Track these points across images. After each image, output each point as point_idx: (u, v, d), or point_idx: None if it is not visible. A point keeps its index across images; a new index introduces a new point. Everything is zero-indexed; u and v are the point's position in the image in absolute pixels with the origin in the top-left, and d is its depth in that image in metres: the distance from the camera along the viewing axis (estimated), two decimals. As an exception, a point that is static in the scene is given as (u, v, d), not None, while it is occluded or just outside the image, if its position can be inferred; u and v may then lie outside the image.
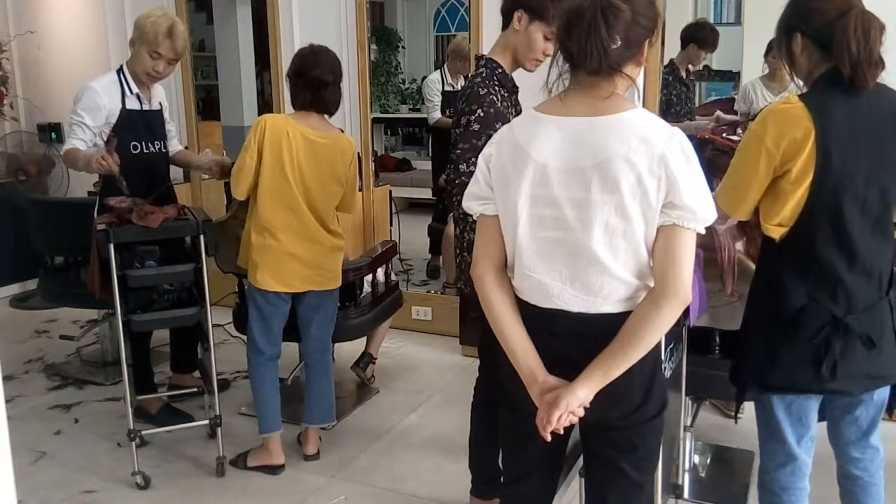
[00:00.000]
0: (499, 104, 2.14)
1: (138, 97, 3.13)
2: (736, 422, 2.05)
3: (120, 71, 3.14)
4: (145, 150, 3.15)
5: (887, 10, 1.94)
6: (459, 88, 4.67)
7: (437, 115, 4.88)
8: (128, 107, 3.10)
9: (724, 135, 3.62)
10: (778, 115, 1.72)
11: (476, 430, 2.48)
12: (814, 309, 1.75)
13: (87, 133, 3.07)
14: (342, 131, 2.88)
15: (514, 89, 2.28)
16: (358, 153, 2.97)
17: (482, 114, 2.09)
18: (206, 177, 4.79)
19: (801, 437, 1.90)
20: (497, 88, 2.18)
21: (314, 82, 2.72)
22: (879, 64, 1.70)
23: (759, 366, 1.83)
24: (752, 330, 1.88)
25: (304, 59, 2.75)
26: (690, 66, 3.92)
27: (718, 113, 3.33)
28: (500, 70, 2.21)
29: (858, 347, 1.75)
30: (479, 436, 2.47)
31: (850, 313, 1.75)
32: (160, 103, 3.27)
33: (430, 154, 5.51)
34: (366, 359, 3.62)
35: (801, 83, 1.84)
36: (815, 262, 1.75)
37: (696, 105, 4.03)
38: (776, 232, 1.76)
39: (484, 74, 2.19)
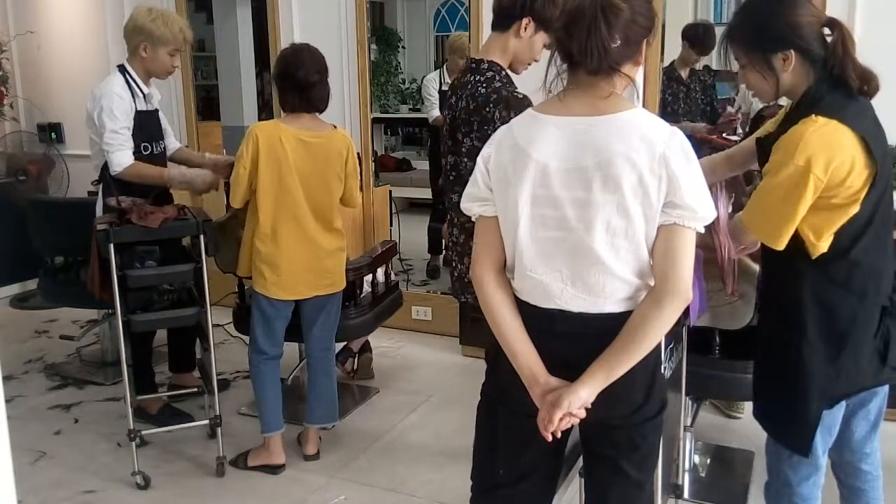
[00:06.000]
0: None
1: (145, 98, 3.17)
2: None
3: (123, 72, 3.14)
4: (155, 151, 3.20)
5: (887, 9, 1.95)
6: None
7: (435, 112, 4.89)
8: (138, 108, 3.13)
9: (723, 134, 3.64)
10: (819, 140, 1.65)
11: (482, 436, 2.40)
12: (867, 311, 1.76)
13: (131, 140, 3.08)
14: (335, 127, 2.87)
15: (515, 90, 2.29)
16: (358, 152, 2.97)
17: None
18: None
19: (827, 446, 1.89)
20: None
21: (300, 83, 2.70)
22: (873, 71, 1.73)
23: (823, 385, 1.78)
24: (804, 359, 1.78)
25: (286, 60, 2.73)
26: (692, 67, 3.93)
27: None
28: (504, 72, 2.20)
29: None
30: (485, 442, 2.38)
31: (891, 298, 1.78)
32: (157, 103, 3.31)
33: (428, 153, 5.51)
34: (345, 353, 3.64)
35: (769, 96, 1.83)
36: (856, 265, 1.74)
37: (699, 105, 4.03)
38: (824, 246, 1.72)
39: (498, 78, 2.16)
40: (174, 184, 3.18)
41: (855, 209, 1.70)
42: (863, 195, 1.69)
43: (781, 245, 1.75)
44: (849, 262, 1.74)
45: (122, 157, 3.05)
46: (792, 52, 1.73)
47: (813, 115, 1.68)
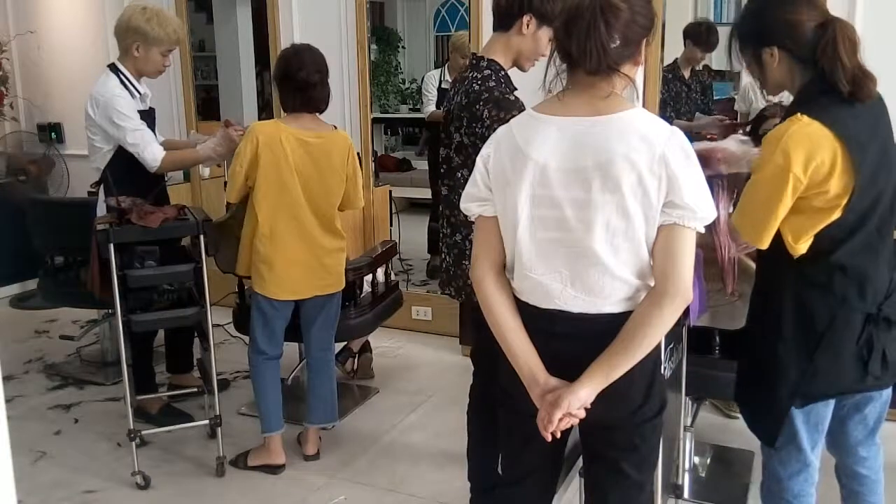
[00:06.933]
0: None
1: (140, 97, 3.16)
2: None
3: (116, 72, 3.13)
4: None
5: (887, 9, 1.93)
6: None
7: (431, 108, 4.90)
8: (138, 108, 3.12)
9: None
10: (799, 139, 1.65)
11: (475, 438, 2.41)
12: (846, 315, 1.74)
13: (151, 132, 3.08)
14: (335, 128, 2.87)
15: (514, 90, 2.28)
16: (358, 153, 2.97)
17: None
18: (207, 176, 4.80)
19: (816, 443, 1.89)
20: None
21: (301, 84, 2.70)
22: (872, 76, 1.70)
23: (797, 382, 1.78)
24: (778, 356, 1.80)
25: (287, 61, 2.73)
26: (693, 66, 3.93)
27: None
28: (504, 72, 2.20)
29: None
30: (478, 444, 2.39)
31: (881, 307, 1.75)
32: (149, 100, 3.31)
33: (427, 152, 5.51)
34: (345, 353, 3.64)
35: (762, 92, 1.85)
36: (839, 269, 1.72)
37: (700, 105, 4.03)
38: (802, 248, 1.72)
39: (494, 77, 2.15)
40: (205, 158, 3.16)
41: (836, 215, 1.68)
42: (843, 202, 1.67)
43: (764, 244, 1.76)
44: (830, 265, 1.73)
45: (155, 152, 3.05)
46: (776, 48, 1.75)
47: (799, 114, 1.68)
